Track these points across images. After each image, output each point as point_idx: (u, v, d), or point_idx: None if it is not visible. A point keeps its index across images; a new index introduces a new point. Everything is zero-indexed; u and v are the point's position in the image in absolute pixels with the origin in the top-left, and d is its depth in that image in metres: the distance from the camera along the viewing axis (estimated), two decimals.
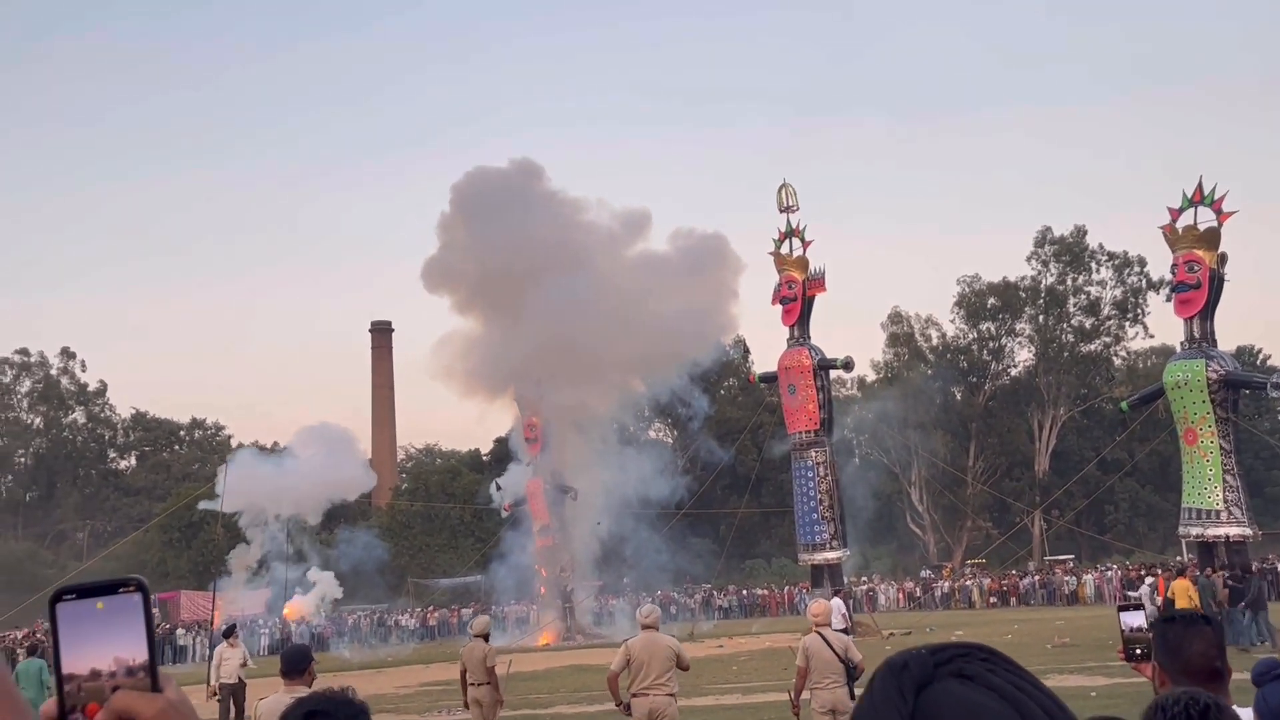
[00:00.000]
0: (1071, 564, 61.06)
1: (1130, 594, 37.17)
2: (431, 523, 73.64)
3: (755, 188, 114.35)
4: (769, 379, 43.89)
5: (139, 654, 1.17)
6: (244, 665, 20.81)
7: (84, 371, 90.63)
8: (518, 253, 47.46)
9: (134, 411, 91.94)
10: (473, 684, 14.61)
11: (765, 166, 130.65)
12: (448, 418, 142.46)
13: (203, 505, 60.75)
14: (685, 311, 47.71)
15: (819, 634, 11.53)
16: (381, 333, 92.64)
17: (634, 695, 11.34)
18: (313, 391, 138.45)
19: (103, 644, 1.17)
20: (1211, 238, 30.69)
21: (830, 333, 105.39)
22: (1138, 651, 4.14)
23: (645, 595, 54.22)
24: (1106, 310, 73.31)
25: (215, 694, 20.66)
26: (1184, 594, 26.10)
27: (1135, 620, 4.22)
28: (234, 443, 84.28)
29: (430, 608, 62.33)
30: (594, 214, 51.98)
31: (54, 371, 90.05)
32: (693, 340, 50.07)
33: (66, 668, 1.15)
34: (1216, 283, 30.73)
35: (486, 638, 15.04)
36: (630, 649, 11.46)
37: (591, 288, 46.23)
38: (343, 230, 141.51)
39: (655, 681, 11.23)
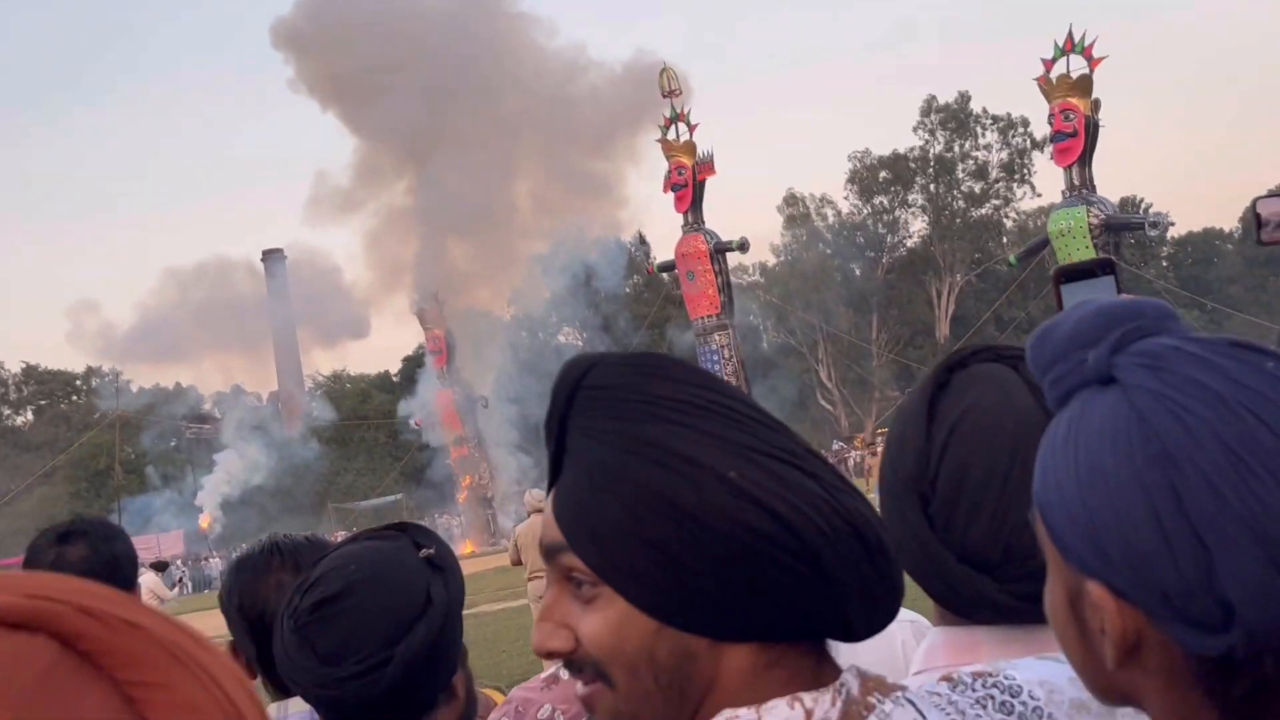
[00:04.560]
0: None
1: None
2: (347, 447, 72.95)
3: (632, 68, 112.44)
4: (667, 268, 43.79)
5: None
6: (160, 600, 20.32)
7: None
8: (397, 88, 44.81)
9: (24, 365, 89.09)
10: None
11: (642, 45, 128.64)
12: (352, 344, 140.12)
13: None
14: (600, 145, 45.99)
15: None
16: (275, 261, 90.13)
17: (528, 579, 11.32)
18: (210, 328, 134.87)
19: None
20: (1085, 85, 31.13)
21: (728, 216, 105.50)
22: None
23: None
24: (994, 174, 74.41)
25: None
26: None
27: None
28: (134, 388, 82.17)
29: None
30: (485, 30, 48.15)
31: None
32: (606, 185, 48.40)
33: None
34: (1092, 129, 31.28)
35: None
36: (518, 534, 11.42)
37: (494, 145, 44.33)
38: (230, 153, 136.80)
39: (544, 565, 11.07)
